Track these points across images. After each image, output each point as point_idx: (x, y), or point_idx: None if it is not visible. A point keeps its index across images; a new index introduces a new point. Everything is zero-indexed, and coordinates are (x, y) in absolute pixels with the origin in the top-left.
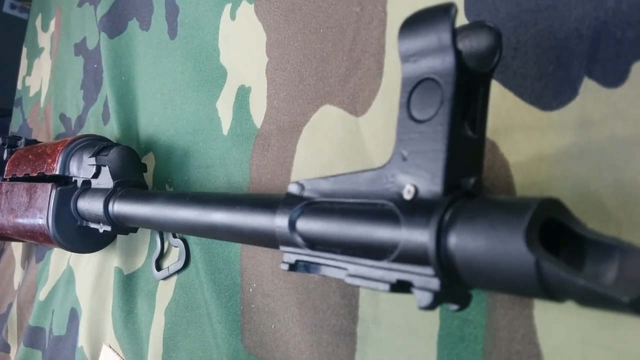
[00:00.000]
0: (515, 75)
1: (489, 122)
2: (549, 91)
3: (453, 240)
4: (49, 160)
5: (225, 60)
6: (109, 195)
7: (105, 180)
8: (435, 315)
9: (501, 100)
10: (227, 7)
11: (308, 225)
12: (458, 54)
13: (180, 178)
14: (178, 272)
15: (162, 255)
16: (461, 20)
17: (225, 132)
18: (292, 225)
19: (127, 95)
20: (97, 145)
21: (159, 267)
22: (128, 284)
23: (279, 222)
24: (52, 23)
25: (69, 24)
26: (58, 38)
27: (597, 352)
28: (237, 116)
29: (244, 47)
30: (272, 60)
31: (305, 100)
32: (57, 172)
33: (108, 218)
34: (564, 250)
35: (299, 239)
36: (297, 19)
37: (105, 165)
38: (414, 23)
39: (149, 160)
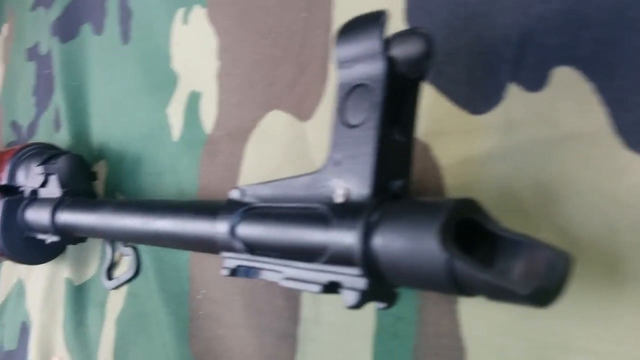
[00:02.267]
0: (448, 80)
1: (423, 126)
2: (478, 96)
3: (378, 241)
4: None
5: (177, 65)
6: (56, 205)
7: (54, 190)
8: (371, 314)
9: (435, 104)
10: (180, 12)
11: (248, 230)
12: (388, 60)
13: (132, 186)
14: (128, 281)
15: (112, 265)
16: (401, 26)
17: (175, 138)
18: (232, 230)
19: (79, 101)
20: (46, 153)
21: (109, 277)
22: (79, 295)
23: (219, 228)
24: (5, 27)
25: (22, 28)
26: (11, 43)
27: (513, 343)
28: (188, 122)
29: (195, 52)
30: (224, 65)
31: (255, 105)
32: (4, 182)
33: (55, 228)
34: (481, 247)
35: (239, 244)
36: (248, 24)
37: (53, 174)
38: (349, 30)
39: (101, 168)
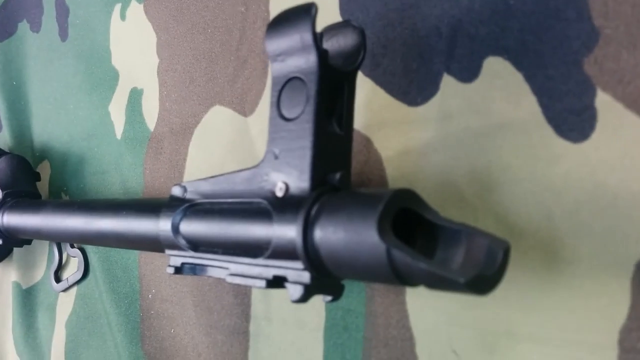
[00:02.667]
0: (385, 72)
1: (364, 119)
2: (414, 87)
3: (318, 234)
4: None
5: (117, 62)
6: None
7: None
8: (321, 308)
9: (373, 97)
10: (117, 7)
11: (190, 227)
12: (320, 52)
13: (76, 186)
14: (77, 282)
15: (60, 267)
16: (336, 18)
17: (118, 136)
18: (175, 228)
19: (19, 101)
20: None
21: (58, 279)
22: (27, 298)
23: (162, 225)
24: None
25: None
26: None
27: (460, 331)
28: (130, 119)
29: (135, 48)
30: (163, 61)
31: (196, 101)
32: None
33: None
34: (421, 238)
35: (182, 242)
36: (185, 19)
37: None
38: (279, 23)
39: (45, 169)
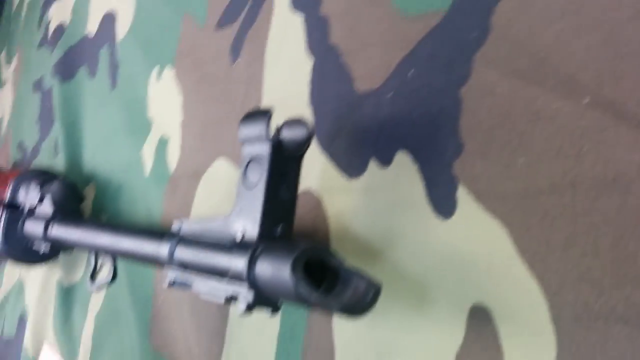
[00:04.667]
0: (335, 151)
1: (317, 184)
2: (353, 165)
3: (258, 267)
4: (2, 187)
5: (151, 113)
6: (49, 221)
7: (47, 208)
8: (277, 320)
9: (325, 168)
10: (156, 69)
11: (182, 253)
12: (272, 143)
13: (114, 208)
14: (107, 285)
15: (95, 271)
16: (307, 107)
17: (147, 174)
18: (171, 253)
19: (75, 133)
20: (43, 176)
21: (92, 281)
22: (67, 295)
23: (163, 249)
24: (15, 59)
25: (29, 63)
26: (19, 74)
27: (363, 348)
28: (157, 161)
29: (166, 104)
30: (186, 117)
31: (207, 153)
32: (7, 199)
33: (47, 240)
34: (329, 278)
35: (175, 262)
36: (204, 87)
37: (48, 194)
38: (249, 119)
39: (90, 192)
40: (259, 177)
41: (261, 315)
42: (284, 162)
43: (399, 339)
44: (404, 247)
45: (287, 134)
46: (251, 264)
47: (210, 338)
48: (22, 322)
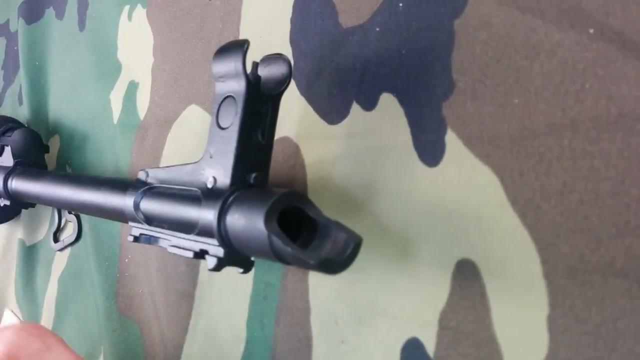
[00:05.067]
0: (314, 94)
1: (295, 130)
2: (334, 110)
3: (228, 219)
4: None
5: (121, 56)
6: (8, 173)
7: (7, 159)
8: (249, 280)
9: (304, 113)
10: (126, 9)
11: (147, 205)
12: (248, 79)
13: (79, 160)
14: (71, 244)
15: (59, 229)
16: (285, 45)
17: (115, 121)
18: (136, 205)
19: (39, 80)
20: (3, 126)
21: (56, 239)
22: (29, 255)
23: (127, 202)
24: None
25: None
26: None
27: (341, 306)
28: (126, 108)
29: (136, 46)
30: (157, 60)
31: (178, 99)
32: None
33: (7, 193)
34: (306, 230)
35: (141, 216)
36: (177, 27)
37: (7, 145)
38: (223, 52)
39: (55, 142)
40: (232, 117)
41: (232, 274)
42: (261, 101)
43: (380, 298)
44: (387, 197)
45: (265, 71)
46: (221, 215)
47: (180, 299)
48: None
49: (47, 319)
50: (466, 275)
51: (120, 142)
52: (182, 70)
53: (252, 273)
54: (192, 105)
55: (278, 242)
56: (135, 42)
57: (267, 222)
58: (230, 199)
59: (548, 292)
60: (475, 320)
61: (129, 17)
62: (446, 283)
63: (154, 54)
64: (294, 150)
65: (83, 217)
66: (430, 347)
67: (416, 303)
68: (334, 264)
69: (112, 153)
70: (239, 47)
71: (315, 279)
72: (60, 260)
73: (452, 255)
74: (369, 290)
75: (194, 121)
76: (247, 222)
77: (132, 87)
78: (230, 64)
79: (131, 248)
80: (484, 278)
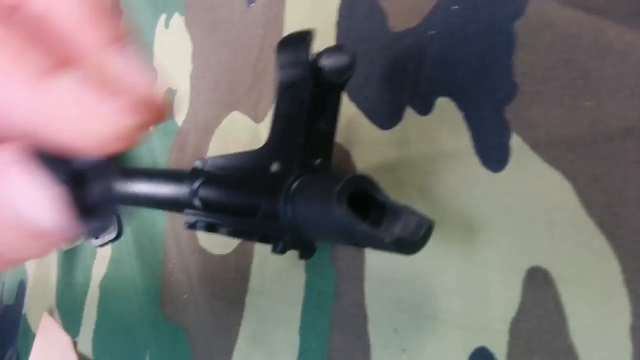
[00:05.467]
0: (365, 99)
1: (345, 135)
2: (385, 114)
3: (297, 202)
4: None
5: (158, 63)
6: None
7: None
8: (301, 288)
9: (354, 119)
10: (162, 17)
11: (207, 192)
12: (313, 68)
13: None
14: (112, 241)
15: None
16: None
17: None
18: (194, 192)
19: None
20: None
21: (96, 236)
22: (69, 258)
23: (184, 189)
24: None
25: None
26: None
27: (400, 314)
28: None
29: (174, 54)
30: (196, 68)
31: (219, 105)
32: None
33: None
34: (373, 213)
35: (198, 203)
36: (217, 34)
37: None
38: (286, 43)
39: None
40: (297, 105)
41: (283, 281)
42: (324, 91)
43: (443, 306)
44: (447, 204)
45: (327, 62)
46: (287, 198)
47: (227, 306)
48: (21, 288)
49: (88, 324)
50: (538, 283)
51: (159, 149)
52: (222, 77)
53: (303, 281)
54: (234, 112)
55: (350, 221)
56: (173, 49)
57: (339, 202)
58: (297, 182)
59: (630, 300)
60: (551, 330)
61: (166, 25)
62: (517, 291)
63: (192, 61)
64: (345, 157)
65: (124, 223)
66: (501, 356)
67: (484, 311)
68: (409, 244)
69: (150, 159)
70: (305, 36)
71: (373, 286)
72: (101, 266)
73: (522, 263)
74: (431, 298)
75: (236, 128)
76: (317, 203)
77: (170, 94)
78: (295, 54)
79: (175, 254)
80: (558, 286)
